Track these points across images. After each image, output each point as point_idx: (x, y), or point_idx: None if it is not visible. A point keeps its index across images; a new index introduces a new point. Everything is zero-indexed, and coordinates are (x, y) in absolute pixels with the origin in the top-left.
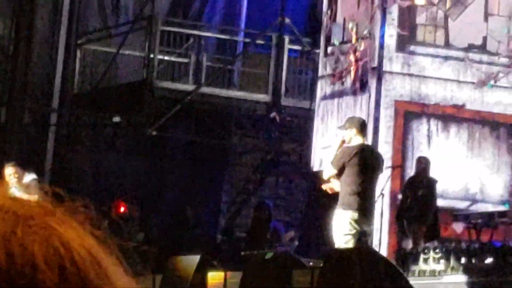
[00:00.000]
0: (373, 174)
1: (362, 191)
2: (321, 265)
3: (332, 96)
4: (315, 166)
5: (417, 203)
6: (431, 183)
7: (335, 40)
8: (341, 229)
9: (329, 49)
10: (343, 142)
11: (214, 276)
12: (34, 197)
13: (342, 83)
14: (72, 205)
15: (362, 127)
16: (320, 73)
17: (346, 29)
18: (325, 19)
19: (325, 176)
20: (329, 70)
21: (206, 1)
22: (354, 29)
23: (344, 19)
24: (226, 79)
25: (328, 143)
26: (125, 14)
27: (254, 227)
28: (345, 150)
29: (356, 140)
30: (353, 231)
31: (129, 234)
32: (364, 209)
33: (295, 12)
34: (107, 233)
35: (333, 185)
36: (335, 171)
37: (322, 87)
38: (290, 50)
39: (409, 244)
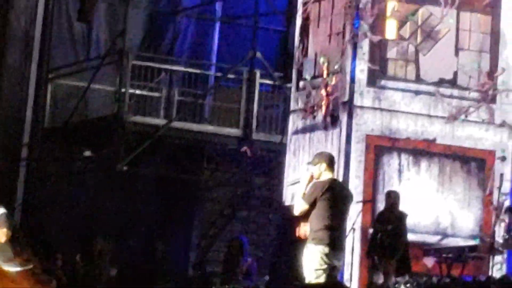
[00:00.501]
0: (344, 208)
1: (333, 226)
2: None
3: (304, 130)
4: (286, 200)
5: (388, 238)
6: (402, 217)
7: (307, 75)
8: (312, 264)
9: (301, 83)
10: (312, 177)
11: None
12: (2, 231)
13: (314, 118)
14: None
15: (331, 162)
16: (292, 107)
17: (317, 64)
18: (297, 54)
19: (296, 212)
20: (301, 105)
21: (177, 35)
22: (326, 64)
23: (316, 54)
24: (197, 114)
25: (298, 178)
26: (97, 48)
27: (227, 262)
28: (316, 185)
29: (325, 175)
30: (324, 266)
31: (102, 270)
32: (335, 243)
33: (266, 46)
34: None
35: (306, 229)
36: (306, 206)
37: (294, 122)
38: (261, 84)
39: (380, 279)
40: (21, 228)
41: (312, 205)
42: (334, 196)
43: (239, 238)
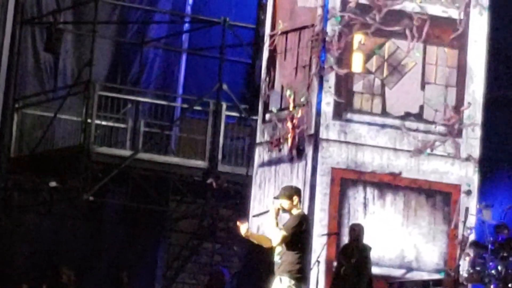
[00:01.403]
0: (310, 242)
1: (304, 260)
2: None
3: (270, 163)
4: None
5: (352, 271)
6: (365, 250)
7: (273, 107)
8: None
9: (267, 116)
10: (279, 209)
11: None
12: None
13: (280, 150)
14: None
15: (299, 195)
16: (258, 140)
17: (284, 96)
18: (263, 86)
19: (275, 242)
20: (266, 137)
21: (144, 66)
22: (292, 97)
23: (282, 86)
24: (163, 145)
25: (263, 210)
26: (64, 78)
27: None
28: (298, 216)
29: (294, 208)
30: None
31: None
32: (305, 278)
33: (233, 78)
34: None
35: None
36: (288, 236)
37: (260, 154)
38: (227, 117)
39: None
40: None
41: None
42: (307, 231)
43: (220, 270)
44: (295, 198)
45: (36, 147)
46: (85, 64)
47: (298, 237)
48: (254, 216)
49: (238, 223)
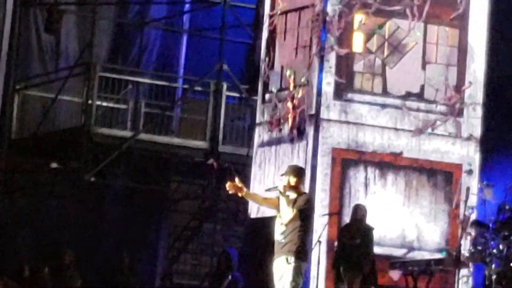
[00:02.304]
0: (312, 223)
1: (308, 241)
2: None
3: (270, 143)
4: (252, 213)
5: (356, 252)
6: (369, 231)
7: (273, 88)
8: (290, 277)
9: (267, 96)
10: (285, 187)
11: None
12: None
13: (280, 131)
14: None
15: (302, 174)
16: (257, 120)
17: (284, 77)
18: (263, 66)
19: (287, 220)
20: (266, 117)
21: (145, 47)
22: (292, 77)
23: (282, 67)
24: (164, 126)
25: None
26: (65, 59)
27: (215, 275)
28: (307, 198)
29: (301, 188)
30: (299, 281)
31: (70, 282)
32: (307, 259)
33: (234, 59)
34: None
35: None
36: (298, 217)
37: (260, 134)
38: (228, 97)
39: None
40: None
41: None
42: (312, 212)
43: (227, 251)
44: (300, 177)
45: (37, 128)
46: (85, 45)
47: (305, 217)
48: (266, 190)
49: (228, 183)
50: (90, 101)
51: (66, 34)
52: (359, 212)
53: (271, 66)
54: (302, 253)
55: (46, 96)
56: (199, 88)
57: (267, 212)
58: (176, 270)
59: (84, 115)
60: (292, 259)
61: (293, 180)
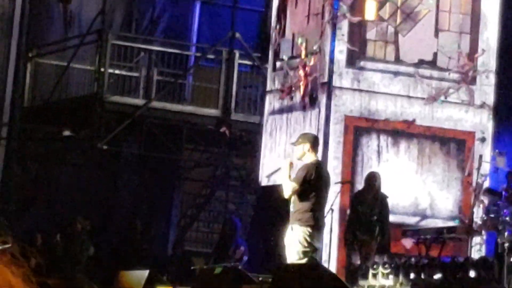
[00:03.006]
0: (326, 190)
1: (317, 208)
2: (270, 280)
3: (281, 111)
4: (263, 181)
5: (368, 219)
6: (384, 199)
7: (284, 55)
8: (296, 245)
9: (278, 64)
10: (292, 164)
11: None
12: None
13: (291, 98)
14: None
15: (315, 143)
16: (268, 87)
17: (295, 44)
18: (273, 34)
19: (286, 195)
20: (277, 85)
21: (158, 15)
22: (304, 44)
23: (293, 34)
24: (176, 94)
25: (277, 167)
26: (78, 27)
27: (219, 242)
28: (307, 166)
29: (309, 156)
30: (308, 248)
31: (82, 249)
32: (319, 225)
33: (246, 27)
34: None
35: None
36: (297, 187)
37: (271, 102)
38: (240, 65)
39: (358, 260)
40: (0, 208)
41: (301, 185)
42: (320, 179)
43: (231, 219)
44: (307, 146)
45: (50, 96)
46: (98, 13)
47: (308, 186)
48: (266, 176)
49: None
50: (102, 69)
51: (78, 1)
52: (374, 180)
53: (282, 33)
54: (305, 221)
55: (58, 64)
56: (211, 56)
57: (278, 180)
58: (188, 238)
59: (96, 83)
60: (296, 227)
61: (307, 147)
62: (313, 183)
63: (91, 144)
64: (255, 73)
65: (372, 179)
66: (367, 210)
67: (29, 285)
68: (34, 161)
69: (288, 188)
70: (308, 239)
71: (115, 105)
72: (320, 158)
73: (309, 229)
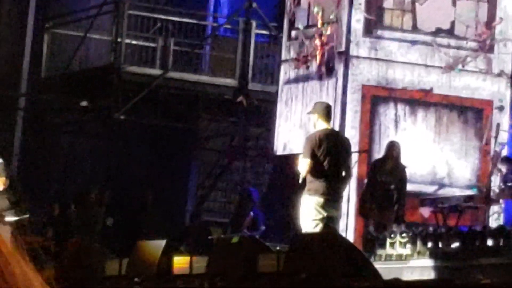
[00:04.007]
0: (339, 158)
1: (327, 176)
2: (287, 249)
3: (297, 80)
4: (278, 150)
5: (386, 187)
6: (403, 169)
7: (300, 24)
8: (308, 215)
9: (293, 33)
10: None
11: (180, 260)
12: (0, 179)
13: (307, 68)
14: None
15: (326, 112)
16: (283, 57)
17: (310, 13)
18: (288, 3)
19: (304, 172)
20: (293, 54)
21: None
22: (320, 14)
23: (309, 3)
24: (193, 64)
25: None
26: None
27: (236, 213)
28: (309, 137)
29: (320, 125)
30: (319, 216)
31: (97, 219)
32: (330, 194)
33: None
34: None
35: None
36: (309, 161)
37: (286, 71)
38: (257, 35)
39: (374, 229)
40: (18, 178)
41: (313, 157)
42: (327, 147)
43: (247, 189)
44: (316, 115)
45: (67, 67)
46: None
47: (305, 154)
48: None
49: None
50: (119, 39)
51: None
52: (394, 149)
53: (297, 2)
54: (313, 189)
55: (75, 35)
56: (228, 26)
57: (294, 149)
58: (206, 208)
59: (113, 53)
60: (305, 196)
61: (315, 118)
62: (320, 152)
63: (108, 114)
64: (272, 43)
65: (392, 148)
66: (386, 179)
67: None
68: (52, 132)
69: (304, 165)
70: (319, 208)
71: (132, 76)
72: (337, 127)
73: (318, 197)
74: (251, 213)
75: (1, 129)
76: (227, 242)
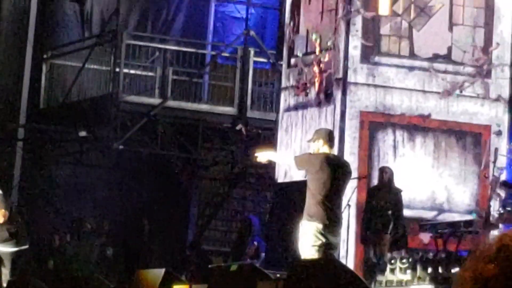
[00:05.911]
0: (339, 184)
1: (327, 202)
2: (285, 276)
3: (296, 107)
4: (279, 177)
5: (382, 213)
6: (397, 193)
7: (298, 52)
8: (307, 241)
9: (292, 60)
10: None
11: None
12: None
13: (306, 95)
14: None
15: (329, 138)
16: (283, 84)
17: (309, 41)
18: (287, 31)
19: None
20: (292, 82)
21: (173, 14)
22: (318, 41)
23: (307, 31)
24: (192, 92)
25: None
26: (92, 28)
27: (237, 242)
28: (311, 157)
29: (324, 150)
30: (319, 242)
31: (91, 249)
32: (330, 220)
33: (261, 24)
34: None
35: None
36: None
37: (286, 99)
38: (256, 62)
39: (372, 255)
40: (19, 209)
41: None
42: (328, 172)
43: (248, 218)
44: (321, 142)
45: (65, 97)
46: (112, 13)
47: (315, 180)
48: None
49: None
50: (117, 69)
51: (91, 2)
52: (385, 174)
53: (296, 30)
54: (314, 215)
55: (73, 65)
56: (226, 54)
57: (294, 176)
58: (206, 237)
59: (112, 83)
60: (305, 222)
61: (320, 144)
62: (320, 177)
63: (107, 144)
64: (271, 70)
65: (382, 174)
66: (380, 204)
67: None
68: (51, 162)
69: (293, 162)
70: (318, 234)
71: (130, 105)
72: (336, 153)
73: (318, 224)
74: (255, 243)
75: (0, 160)
76: (226, 270)
